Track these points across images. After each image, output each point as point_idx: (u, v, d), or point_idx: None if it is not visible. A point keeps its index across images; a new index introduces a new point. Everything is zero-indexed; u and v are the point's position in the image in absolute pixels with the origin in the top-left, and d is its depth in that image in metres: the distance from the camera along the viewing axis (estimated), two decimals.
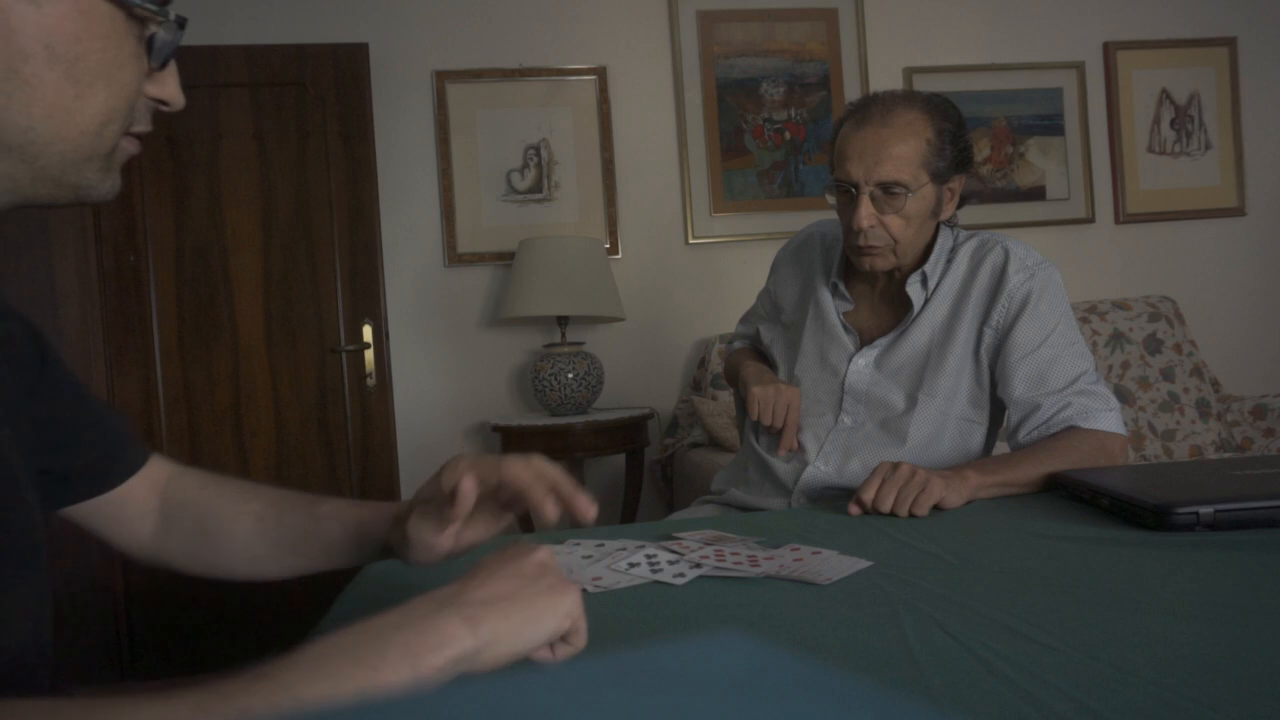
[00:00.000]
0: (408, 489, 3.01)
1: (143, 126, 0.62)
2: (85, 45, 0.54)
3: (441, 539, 0.72)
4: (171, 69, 0.63)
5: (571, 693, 0.20)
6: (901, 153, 1.30)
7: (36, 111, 0.54)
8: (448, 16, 3.09)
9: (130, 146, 0.62)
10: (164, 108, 0.63)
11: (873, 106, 1.35)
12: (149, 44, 0.59)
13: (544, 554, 0.63)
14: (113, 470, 0.81)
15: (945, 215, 1.39)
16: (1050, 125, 3.36)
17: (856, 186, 1.32)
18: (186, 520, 0.82)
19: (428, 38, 3.07)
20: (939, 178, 1.34)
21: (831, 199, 1.39)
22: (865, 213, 1.31)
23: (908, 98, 1.36)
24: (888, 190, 1.31)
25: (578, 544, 1.04)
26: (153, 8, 0.57)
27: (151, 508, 0.83)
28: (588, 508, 0.69)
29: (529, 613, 0.55)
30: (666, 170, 3.20)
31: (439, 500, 0.72)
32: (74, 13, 0.53)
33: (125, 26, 0.56)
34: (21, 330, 0.72)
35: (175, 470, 0.86)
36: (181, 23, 0.59)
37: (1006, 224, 3.23)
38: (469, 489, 0.69)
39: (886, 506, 1.12)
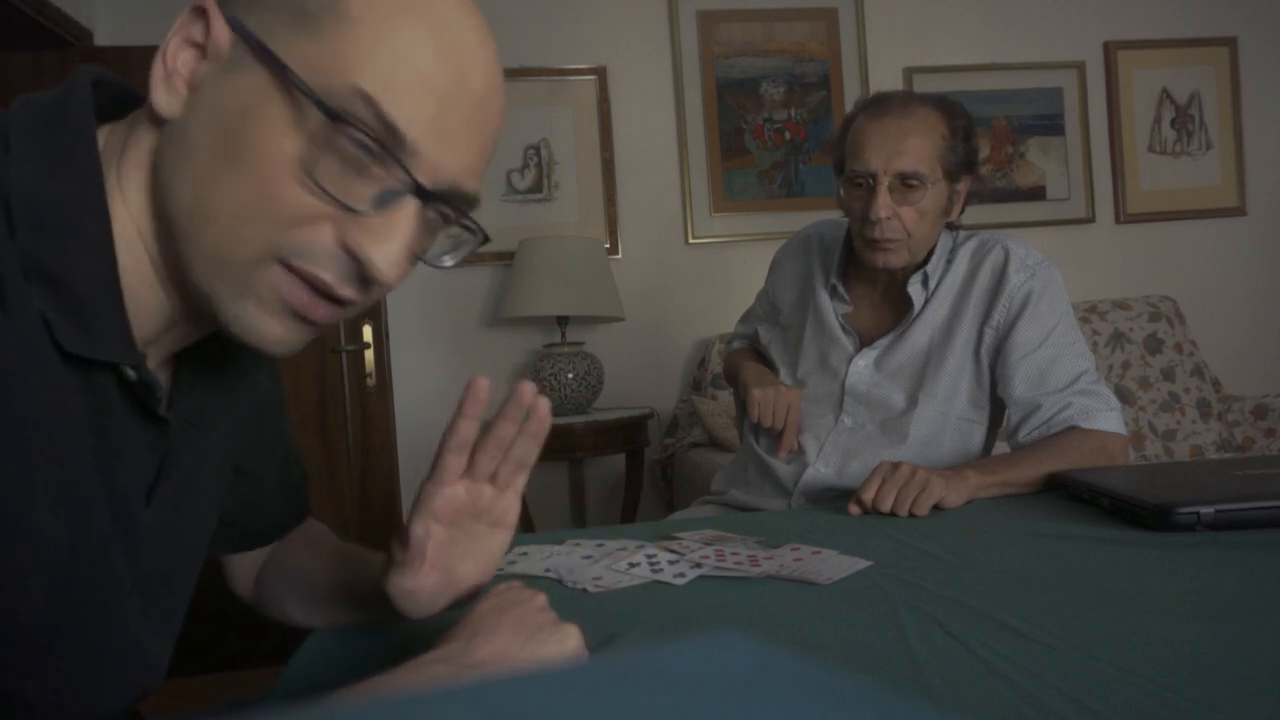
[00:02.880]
0: (407, 489, 3.01)
1: (312, 266, 0.51)
2: (246, 124, 0.50)
3: (417, 582, 0.64)
4: (396, 222, 0.52)
5: (571, 693, 0.20)
6: (920, 144, 1.31)
7: (186, 184, 0.51)
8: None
9: (286, 287, 0.52)
10: (367, 272, 0.52)
11: (890, 100, 1.35)
12: (299, 125, 0.50)
13: (540, 599, 0.65)
14: (265, 534, 0.83)
15: (953, 217, 1.39)
16: (1050, 125, 3.36)
17: (874, 177, 1.32)
18: (272, 571, 0.83)
19: None
20: (952, 175, 1.34)
21: (844, 192, 1.38)
22: (883, 201, 1.31)
23: (920, 96, 1.37)
24: (905, 181, 1.31)
25: (578, 544, 1.04)
26: (313, 98, 0.49)
27: (262, 560, 0.84)
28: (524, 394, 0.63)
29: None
30: (666, 170, 3.20)
31: (402, 555, 0.65)
32: (252, 90, 0.50)
33: (289, 112, 0.50)
34: (271, 383, 0.75)
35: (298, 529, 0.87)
36: (340, 118, 0.49)
37: (1006, 224, 3.23)
38: (419, 531, 0.63)
39: (886, 506, 1.12)
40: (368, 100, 0.50)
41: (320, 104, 0.49)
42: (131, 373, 0.52)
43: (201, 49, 0.52)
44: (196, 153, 0.50)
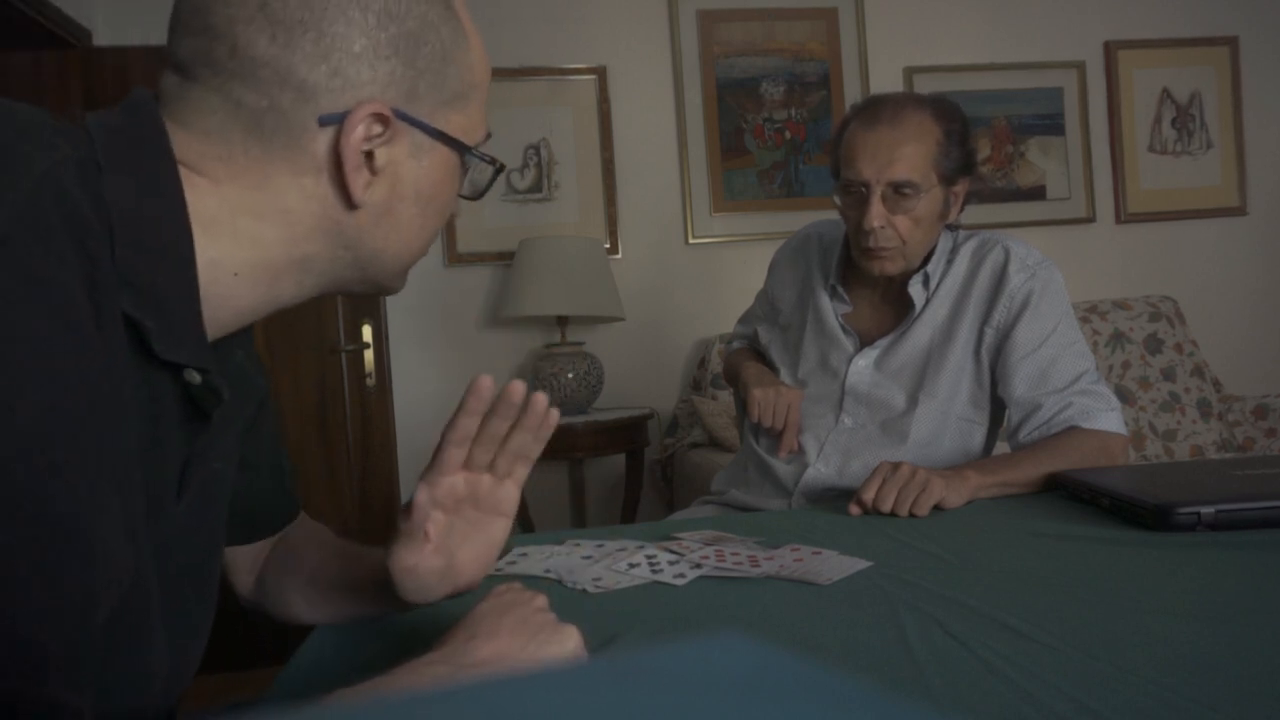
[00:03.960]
0: (408, 489, 3.00)
1: None
2: (440, 189, 0.65)
3: (421, 558, 0.68)
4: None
5: (572, 693, 0.20)
6: (913, 152, 1.30)
7: (392, 239, 0.64)
8: None
9: None
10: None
11: (882, 107, 1.34)
12: (464, 176, 0.68)
13: (540, 600, 0.66)
14: (267, 525, 0.83)
15: (951, 218, 1.39)
16: (1051, 125, 3.36)
17: (867, 186, 1.31)
18: (275, 570, 0.84)
19: None
20: (947, 180, 1.34)
21: (838, 199, 1.38)
22: (877, 211, 1.31)
23: (915, 100, 1.36)
24: (899, 190, 1.30)
25: (578, 544, 1.04)
26: (487, 160, 0.67)
27: (263, 557, 0.85)
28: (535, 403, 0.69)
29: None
30: (666, 170, 3.20)
31: (406, 526, 0.69)
32: (441, 165, 0.64)
33: (459, 169, 0.66)
34: (266, 384, 0.77)
35: (294, 523, 0.88)
36: (501, 169, 0.70)
37: (1007, 224, 3.23)
38: (422, 499, 0.67)
39: (887, 506, 1.12)
40: (487, 134, 0.68)
41: (491, 162, 0.67)
42: (197, 376, 0.57)
43: (376, 140, 0.60)
44: (403, 219, 0.64)
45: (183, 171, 0.56)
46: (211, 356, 0.57)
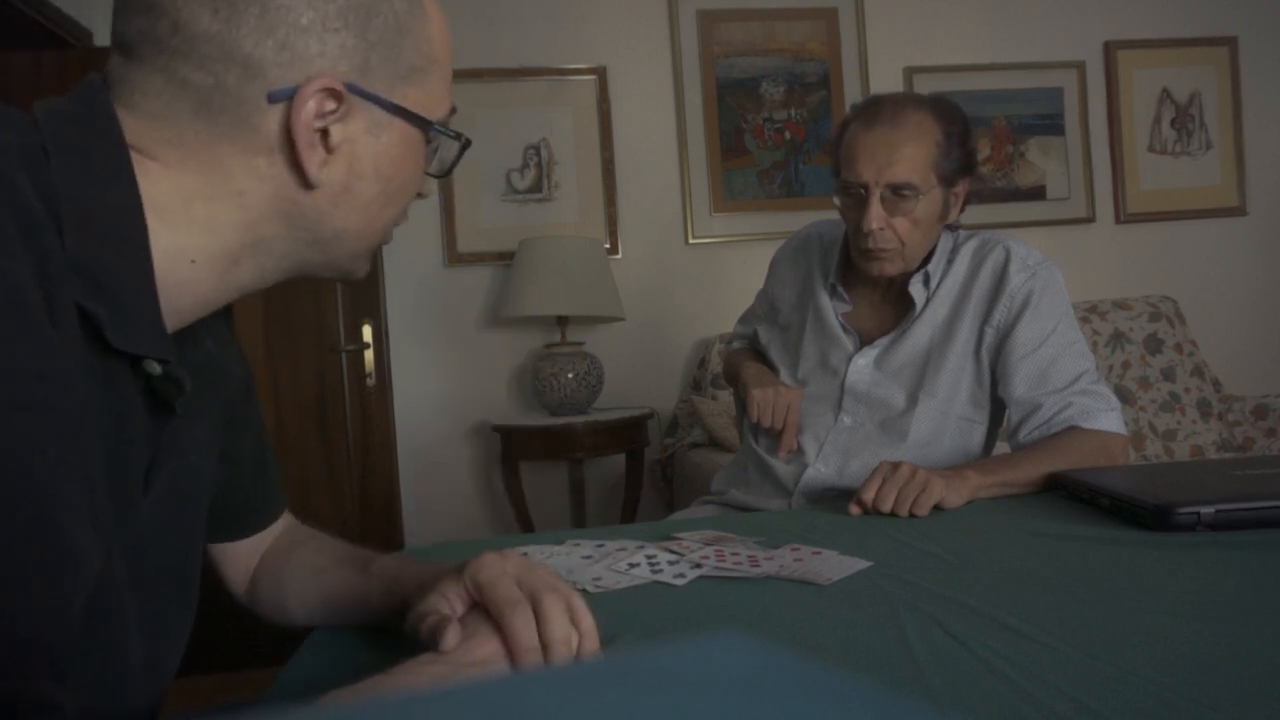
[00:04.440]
0: (408, 489, 3.01)
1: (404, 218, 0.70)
2: (401, 166, 0.63)
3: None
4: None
5: (572, 693, 0.20)
6: (912, 154, 1.30)
7: (353, 219, 0.62)
8: (448, 16, 3.07)
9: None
10: (417, 198, 0.72)
11: (882, 108, 1.34)
12: (431, 155, 0.67)
13: None
14: (253, 520, 0.83)
15: (951, 219, 1.39)
16: (1050, 125, 3.36)
17: (866, 188, 1.31)
18: (269, 571, 0.83)
19: None
20: (947, 181, 1.34)
21: (838, 199, 1.38)
22: (875, 213, 1.30)
23: (915, 100, 1.36)
24: (898, 192, 1.30)
25: (578, 544, 1.04)
26: (451, 135, 0.66)
27: (256, 559, 0.84)
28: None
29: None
30: (666, 170, 3.20)
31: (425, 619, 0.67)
32: (400, 141, 0.62)
33: (423, 146, 0.65)
34: (240, 369, 0.76)
35: (286, 524, 0.87)
36: (467, 144, 0.68)
37: (1006, 224, 3.23)
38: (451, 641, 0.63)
39: (887, 506, 1.12)
40: (451, 109, 0.66)
41: (456, 137, 0.66)
42: (156, 367, 0.55)
43: (329, 116, 0.58)
44: (363, 198, 0.62)
45: (134, 157, 0.55)
46: (171, 346, 0.56)
